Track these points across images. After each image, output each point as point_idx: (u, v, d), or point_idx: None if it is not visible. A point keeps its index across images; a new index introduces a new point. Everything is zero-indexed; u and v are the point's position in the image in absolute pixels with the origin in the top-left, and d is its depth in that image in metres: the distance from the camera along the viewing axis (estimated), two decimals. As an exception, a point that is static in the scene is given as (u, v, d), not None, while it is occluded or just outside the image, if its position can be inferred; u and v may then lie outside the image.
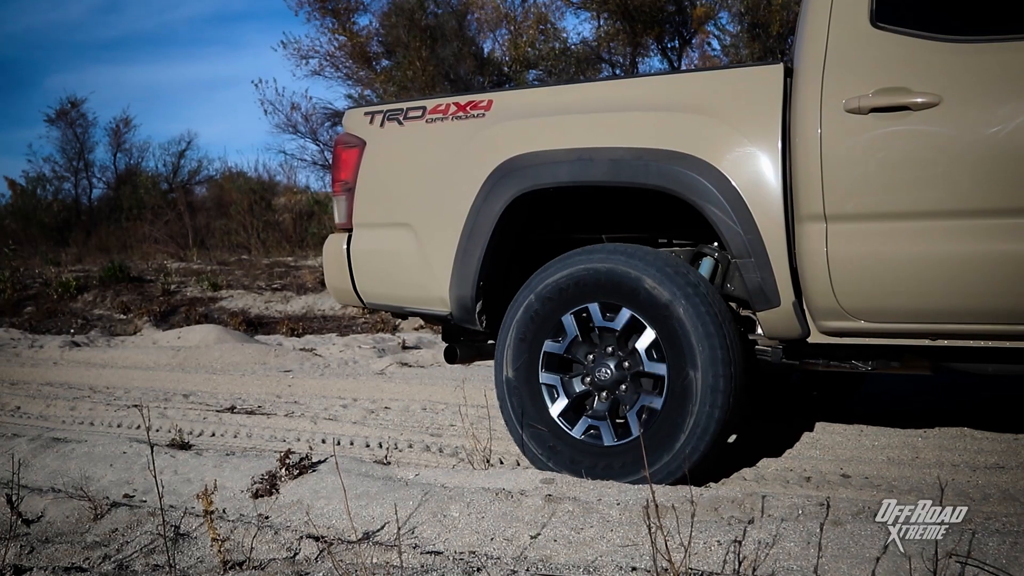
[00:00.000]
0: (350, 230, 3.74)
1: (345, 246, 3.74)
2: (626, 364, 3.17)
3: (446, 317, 3.57)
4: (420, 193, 3.54)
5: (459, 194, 3.39)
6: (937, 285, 2.65)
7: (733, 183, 2.90)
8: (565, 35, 16.96)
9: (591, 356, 3.24)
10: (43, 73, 42.45)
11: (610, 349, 3.20)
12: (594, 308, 3.16)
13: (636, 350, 3.10)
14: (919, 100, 2.59)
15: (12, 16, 38.36)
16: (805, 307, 2.93)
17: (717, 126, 2.95)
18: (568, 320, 3.21)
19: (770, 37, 15.03)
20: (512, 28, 17.07)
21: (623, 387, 3.18)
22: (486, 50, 17.25)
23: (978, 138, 2.53)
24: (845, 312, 2.81)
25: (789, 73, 2.89)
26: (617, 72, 17.13)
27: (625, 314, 3.10)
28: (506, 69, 16.96)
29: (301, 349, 8.36)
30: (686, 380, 2.95)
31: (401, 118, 3.62)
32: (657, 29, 16.56)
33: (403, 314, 3.92)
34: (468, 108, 3.45)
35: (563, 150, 3.20)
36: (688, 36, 17.24)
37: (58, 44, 42.97)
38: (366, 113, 3.75)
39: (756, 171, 2.89)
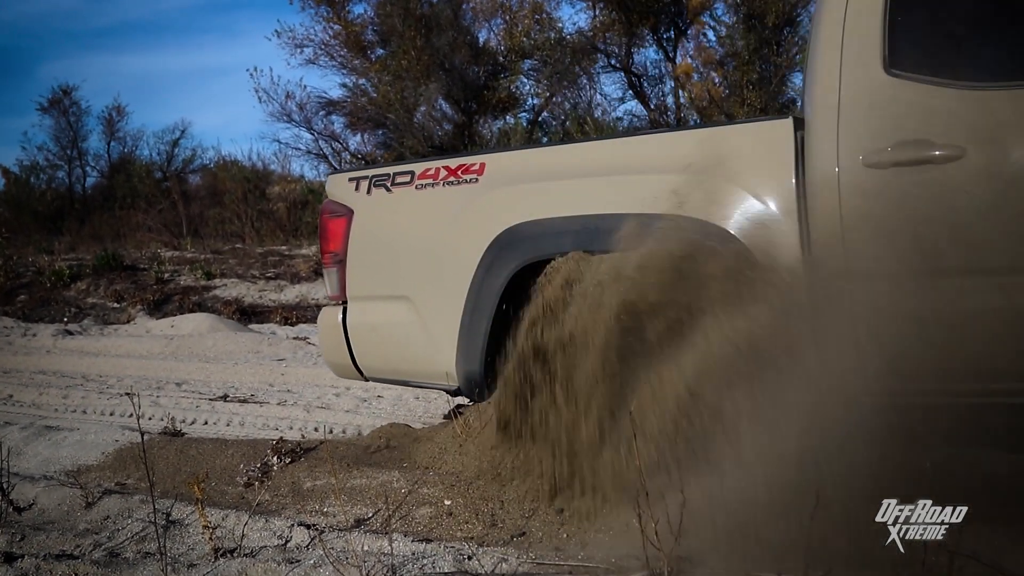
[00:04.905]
0: (344, 302, 3.53)
1: (341, 319, 3.52)
2: None
3: (453, 391, 3.40)
4: (416, 265, 3.35)
5: (458, 267, 3.20)
6: (970, 344, 2.48)
7: (749, 248, 2.70)
8: (560, 25, 16.84)
9: None
10: (37, 61, 42.17)
11: None
12: None
13: None
14: (940, 153, 2.44)
15: (5, 3, 38.08)
16: None
17: (727, 187, 2.74)
18: None
19: (766, 28, 14.99)
20: (507, 18, 16.95)
21: None
22: (481, 40, 17.18)
23: (1006, 191, 2.40)
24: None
25: (799, 125, 2.72)
26: (612, 63, 17.10)
27: None
28: (501, 59, 16.90)
29: (295, 338, 8.36)
30: None
31: (389, 184, 3.42)
32: (653, 19, 16.47)
33: (407, 386, 3.70)
34: (459, 172, 3.26)
35: (565, 218, 3.02)
36: (684, 27, 17.17)
37: (52, 32, 42.59)
38: (351, 179, 3.54)
39: (771, 233, 2.69)
